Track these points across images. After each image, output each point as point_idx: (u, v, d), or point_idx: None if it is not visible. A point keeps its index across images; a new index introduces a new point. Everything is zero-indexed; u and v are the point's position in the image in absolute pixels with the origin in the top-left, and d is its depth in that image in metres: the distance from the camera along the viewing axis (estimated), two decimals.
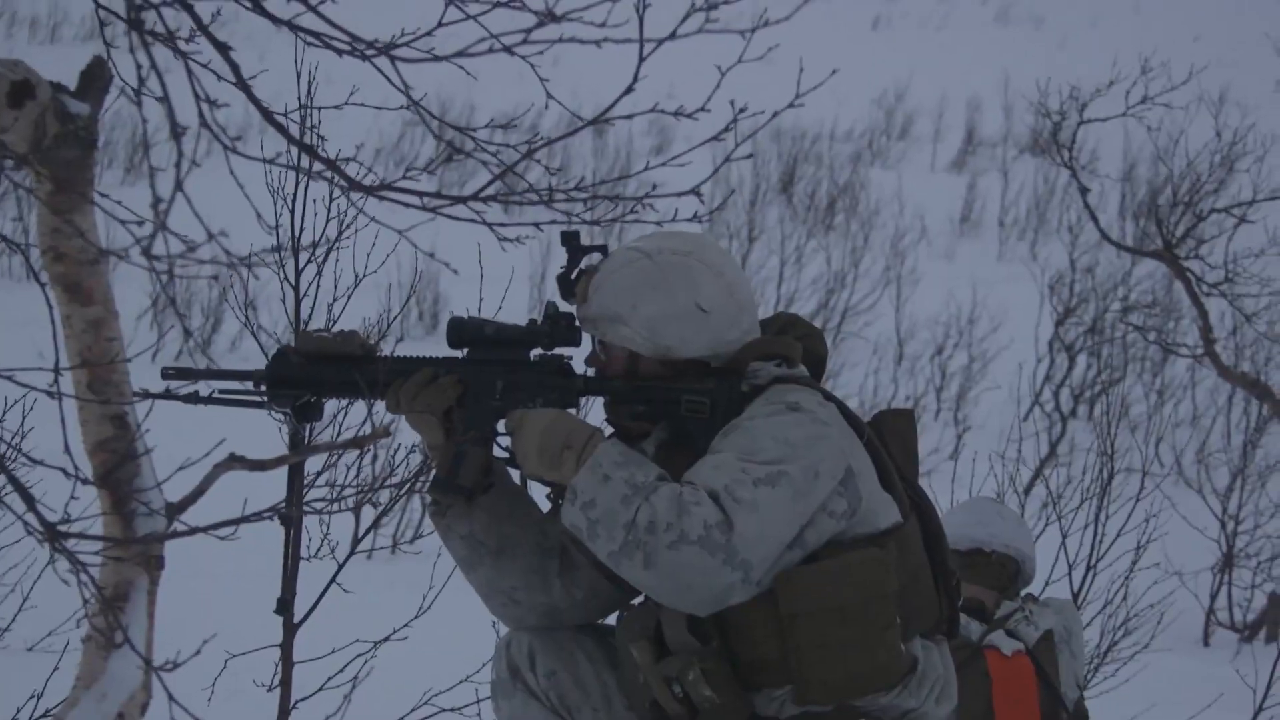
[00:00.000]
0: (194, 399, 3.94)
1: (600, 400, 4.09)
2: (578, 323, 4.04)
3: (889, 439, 4.06)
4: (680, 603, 3.74)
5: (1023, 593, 6.04)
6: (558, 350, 4.06)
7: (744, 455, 3.76)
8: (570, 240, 3.97)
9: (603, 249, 4.04)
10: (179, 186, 2.39)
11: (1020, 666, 5.75)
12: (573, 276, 4.03)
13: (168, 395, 3.88)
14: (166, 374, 4.00)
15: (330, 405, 4.61)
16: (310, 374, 4.03)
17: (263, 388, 4.05)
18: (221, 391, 4.03)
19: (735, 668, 3.91)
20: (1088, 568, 7.83)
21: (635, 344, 3.96)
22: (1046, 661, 5.79)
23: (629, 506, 3.71)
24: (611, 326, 3.97)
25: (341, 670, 5.97)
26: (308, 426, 4.09)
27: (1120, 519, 8.00)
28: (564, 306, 4.05)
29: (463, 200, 3.13)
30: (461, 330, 4.06)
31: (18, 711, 5.22)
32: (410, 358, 4.07)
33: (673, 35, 2.89)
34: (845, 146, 23.83)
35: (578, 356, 4.11)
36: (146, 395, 3.54)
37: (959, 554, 5.93)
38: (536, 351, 4.06)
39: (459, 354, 4.09)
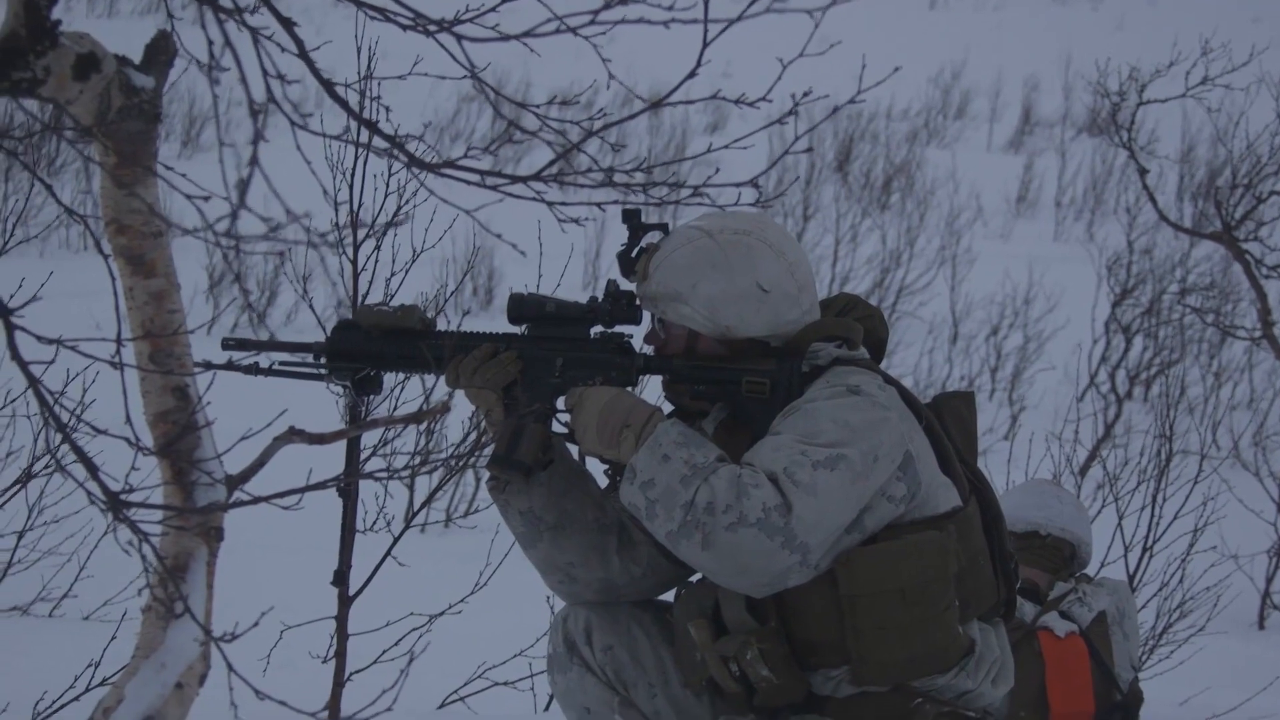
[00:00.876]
0: (254, 370, 3.96)
1: (658, 378, 4.09)
2: (637, 301, 4.04)
3: (949, 421, 4.05)
4: (737, 584, 3.74)
5: (1077, 574, 6.03)
6: (618, 328, 4.06)
7: (803, 438, 3.76)
8: (631, 218, 3.96)
9: (664, 227, 4.04)
10: (255, 163, 2.40)
11: (1074, 648, 5.74)
12: (633, 254, 4.02)
13: (228, 366, 3.91)
14: (227, 344, 4.03)
15: (388, 379, 4.62)
16: (370, 348, 4.05)
17: (322, 360, 4.06)
18: (281, 364, 4.04)
19: (792, 647, 3.91)
20: (1144, 549, 7.81)
21: (695, 323, 3.96)
22: (1100, 643, 5.78)
23: (688, 487, 3.71)
24: (671, 305, 3.97)
25: (396, 643, 6.00)
26: (366, 399, 4.10)
27: (1177, 501, 7.97)
28: (625, 284, 4.05)
29: (524, 179, 3.13)
30: (522, 306, 4.07)
31: (75, 680, 5.26)
32: (470, 333, 4.08)
33: (740, 17, 2.88)
34: (901, 125, 23.75)
35: (637, 335, 4.11)
36: (208, 366, 3.56)
37: (1015, 535, 5.92)
38: (596, 329, 4.06)
39: (518, 330, 4.09)
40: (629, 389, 4.01)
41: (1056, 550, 5.94)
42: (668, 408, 4.05)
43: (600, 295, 4.06)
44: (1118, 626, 5.84)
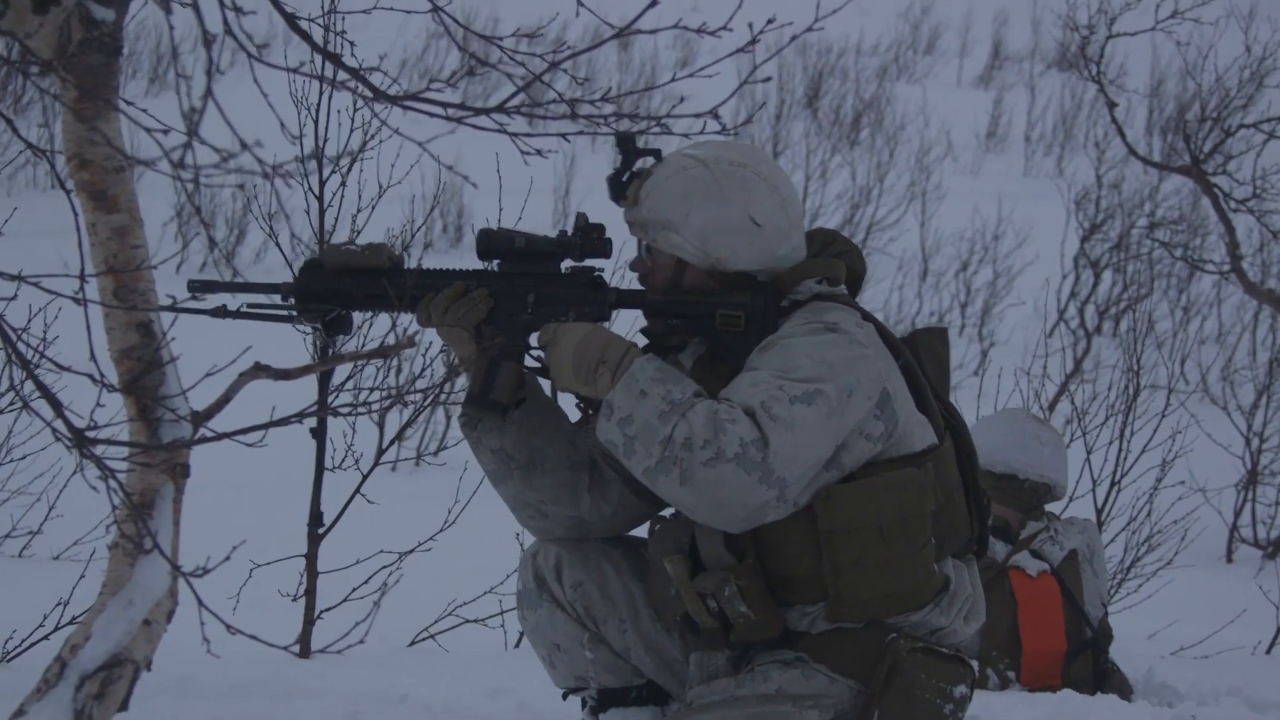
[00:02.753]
0: (221, 313, 3.92)
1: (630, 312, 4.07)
2: (627, 225, 4.01)
3: (924, 357, 4.04)
4: (715, 519, 3.74)
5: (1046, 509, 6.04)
6: (588, 262, 4.03)
7: (780, 373, 3.75)
8: (625, 142, 3.92)
9: (657, 153, 4.00)
10: (209, 95, 2.37)
11: (1045, 586, 5.77)
12: (624, 179, 3.99)
13: (194, 310, 3.87)
14: (193, 286, 3.98)
15: (358, 318, 4.60)
16: (338, 287, 4.01)
17: (290, 301, 4.03)
18: (248, 305, 4.01)
19: (768, 583, 3.91)
20: (1112, 484, 7.84)
21: (685, 252, 3.93)
22: (1071, 581, 5.80)
23: (666, 423, 3.70)
24: (662, 233, 3.94)
25: (366, 581, 6.00)
26: (335, 339, 4.07)
27: (1145, 435, 8.00)
28: (595, 217, 4.01)
29: (486, 111, 3.10)
30: (490, 242, 4.03)
31: (44, 619, 5.26)
32: (439, 270, 4.05)
33: None
34: (871, 61, 23.70)
35: (609, 268, 4.09)
36: (173, 308, 3.54)
37: (992, 475, 5.93)
38: (567, 264, 4.03)
39: (488, 266, 4.06)
40: (603, 324, 3.99)
41: (1033, 493, 5.96)
42: (644, 343, 4.03)
43: (571, 229, 4.03)
44: (1088, 564, 5.87)
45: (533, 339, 4.00)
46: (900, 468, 3.84)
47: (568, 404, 4.11)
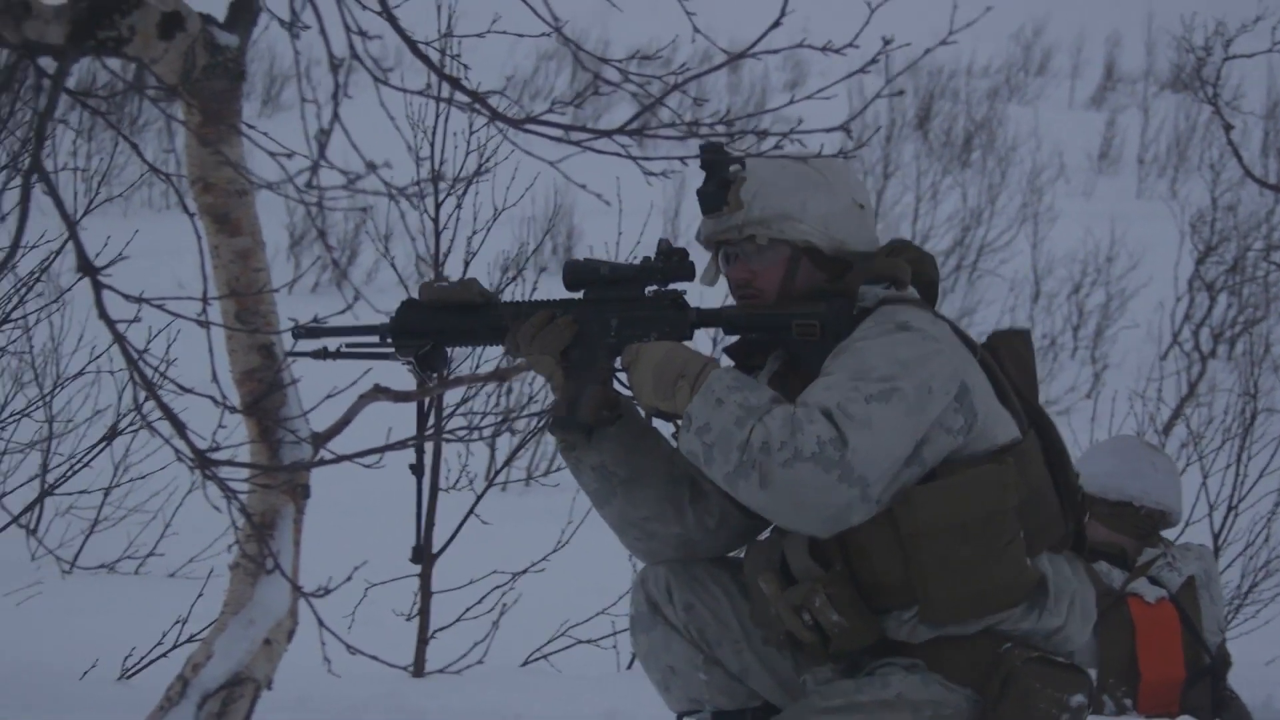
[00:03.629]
0: (323, 354, 4.03)
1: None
2: (725, 232, 4.04)
3: (1005, 358, 4.05)
4: (799, 523, 3.75)
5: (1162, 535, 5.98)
6: (672, 285, 4.09)
7: (855, 375, 3.77)
8: (712, 151, 3.97)
9: (741, 161, 4.05)
10: (336, 118, 2.40)
11: (1164, 613, 5.71)
12: (715, 189, 4.04)
13: (299, 353, 3.97)
14: (298, 333, 4.08)
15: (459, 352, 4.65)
16: (432, 323, 4.10)
17: (388, 340, 4.12)
18: (349, 345, 4.10)
19: (861, 592, 3.90)
20: (1229, 508, 7.75)
21: (814, 237, 4.00)
22: (1189, 607, 5.74)
23: (743, 427, 3.73)
24: (787, 224, 4.00)
25: (479, 601, 6.02)
26: (430, 374, 4.15)
27: (1263, 460, 7.91)
28: (678, 242, 4.05)
29: (608, 134, 3.12)
30: (577, 272, 4.11)
31: (163, 637, 5.31)
32: (527, 302, 4.13)
33: None
34: (982, 82, 23.58)
35: (693, 290, 4.11)
36: (298, 355, 3.59)
37: (1106, 503, 5.87)
38: (651, 288, 4.09)
39: (576, 296, 4.12)
40: (684, 343, 4.03)
41: (1149, 520, 5.90)
42: (727, 362, 4.07)
43: (654, 255, 4.08)
44: (1205, 590, 5.81)
45: (617, 361, 4.06)
46: (980, 464, 3.83)
47: (665, 429, 4.13)
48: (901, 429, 3.74)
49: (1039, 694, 3.88)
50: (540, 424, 7.82)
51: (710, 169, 4.02)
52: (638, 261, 4.11)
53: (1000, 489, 3.83)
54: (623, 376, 4.06)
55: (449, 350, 4.19)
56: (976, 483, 3.82)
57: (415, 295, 4.16)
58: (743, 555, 4.11)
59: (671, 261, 4.07)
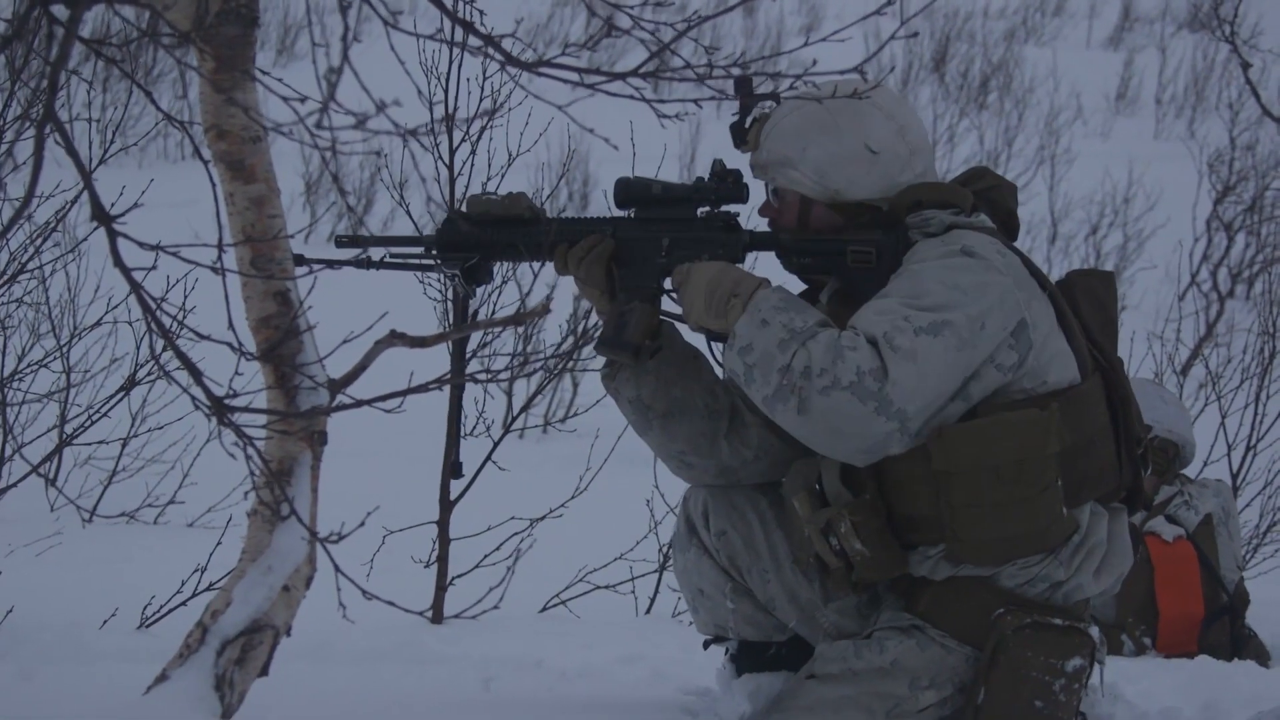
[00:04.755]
0: (365, 263, 3.99)
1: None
2: (751, 170, 4.04)
3: (1080, 298, 3.99)
4: (835, 450, 3.73)
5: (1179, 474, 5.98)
6: (725, 207, 4.06)
7: (909, 299, 3.73)
8: (743, 86, 3.94)
9: (775, 96, 4.01)
10: (345, 59, 2.38)
11: (1182, 551, 5.71)
12: (745, 124, 4.02)
13: (339, 261, 3.93)
14: (340, 242, 4.06)
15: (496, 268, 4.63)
16: (479, 237, 4.06)
17: (433, 252, 4.09)
18: (392, 255, 4.07)
19: (893, 523, 3.89)
20: (1248, 448, 7.73)
21: (804, 187, 3.96)
22: (1207, 545, 5.74)
23: (785, 351, 3.71)
24: (781, 170, 3.97)
25: (497, 548, 6.02)
26: (474, 290, 4.13)
27: None
28: (730, 162, 4.04)
29: (620, 76, 3.10)
30: (629, 190, 4.07)
31: (182, 585, 5.32)
32: (576, 218, 4.10)
33: None
34: (998, 24, 23.45)
35: (745, 212, 4.10)
36: (327, 263, 3.57)
37: None
38: (703, 209, 4.07)
39: (626, 214, 4.10)
40: (735, 264, 4.01)
41: (1162, 453, 5.89)
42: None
43: (708, 175, 4.06)
44: (1223, 527, 5.81)
45: (667, 283, 4.04)
46: (1022, 408, 3.79)
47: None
48: (949, 364, 3.70)
49: (1029, 662, 3.85)
50: (562, 367, 7.82)
51: (742, 103, 4.00)
52: (690, 182, 4.09)
53: (1039, 434, 3.78)
54: (669, 297, 4.06)
55: (494, 265, 4.16)
56: (1014, 426, 3.78)
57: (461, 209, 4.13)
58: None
59: (725, 183, 4.04)
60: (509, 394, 9.37)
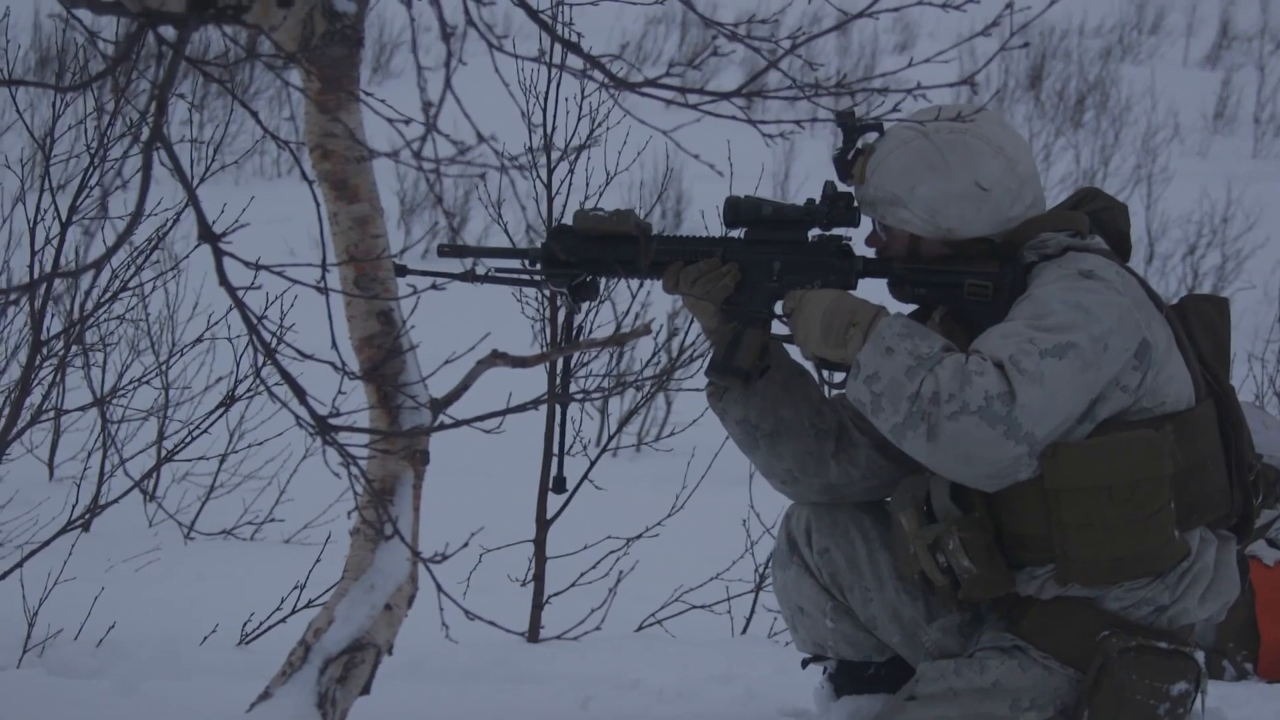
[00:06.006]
0: (470, 277, 3.98)
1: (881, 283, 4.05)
2: (856, 204, 4.00)
3: (1193, 323, 3.96)
4: (964, 476, 3.71)
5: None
6: (835, 231, 4.03)
7: (1033, 321, 3.70)
8: (845, 119, 3.91)
9: (878, 126, 3.98)
10: (448, 85, 2.39)
11: None
12: (849, 157, 3.98)
13: (444, 274, 3.94)
14: (443, 251, 4.07)
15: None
16: (585, 253, 4.05)
17: (537, 266, 4.08)
18: (497, 270, 4.07)
19: (1002, 542, 3.86)
20: None
21: (915, 227, 3.92)
22: None
23: (913, 378, 3.69)
24: (890, 209, 3.93)
25: (594, 566, 6.03)
26: (581, 305, 4.12)
27: None
28: (842, 186, 4.01)
29: (724, 96, 3.10)
30: (739, 210, 4.04)
31: (281, 602, 5.34)
32: (686, 237, 4.08)
33: None
34: (1095, 42, 23.33)
35: (856, 237, 4.07)
36: (429, 274, 3.58)
37: None
38: (814, 232, 4.03)
39: (734, 234, 4.08)
40: (849, 291, 3.97)
41: (1264, 478, 5.83)
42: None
43: (819, 198, 4.02)
44: None
45: (777, 307, 4.01)
46: (1137, 428, 3.76)
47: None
48: (1075, 386, 3.68)
49: (1134, 685, 3.82)
50: (657, 386, 7.82)
51: (846, 135, 3.96)
52: (801, 204, 4.06)
53: (1154, 456, 3.75)
54: (781, 322, 4.03)
55: (601, 282, 4.14)
56: (1128, 446, 3.74)
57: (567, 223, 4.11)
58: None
59: (837, 206, 4.00)
60: (604, 412, 9.38)
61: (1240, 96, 21.12)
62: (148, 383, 7.12)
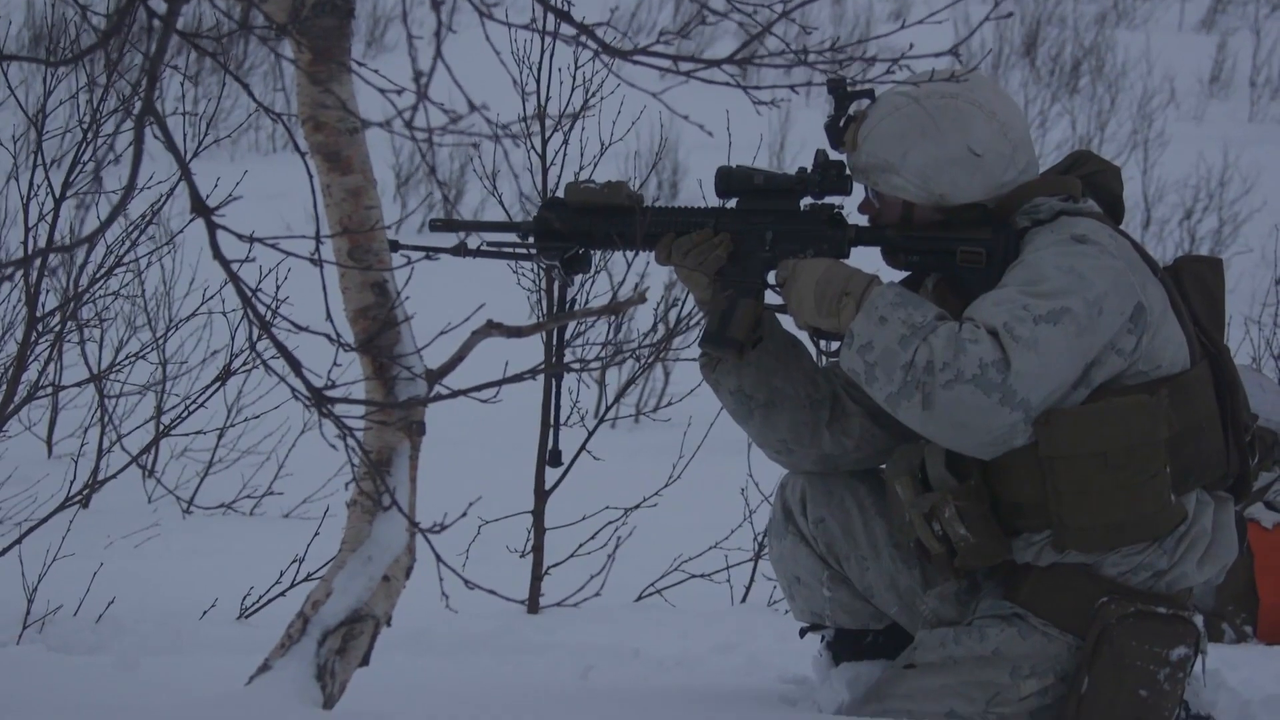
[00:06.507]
0: (461, 250, 3.97)
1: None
2: (848, 171, 3.99)
3: (1188, 284, 3.95)
4: (960, 444, 3.71)
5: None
6: (827, 199, 4.02)
7: (1026, 287, 3.70)
8: (837, 87, 3.91)
9: (869, 93, 3.97)
10: (438, 56, 2.38)
11: None
12: (840, 124, 3.97)
13: (436, 249, 3.93)
14: (435, 225, 4.06)
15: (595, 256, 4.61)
16: (578, 225, 4.04)
17: (530, 239, 4.07)
18: (489, 244, 4.06)
19: (998, 509, 3.86)
20: None
21: (908, 193, 3.91)
22: None
23: (907, 347, 3.69)
24: (883, 176, 3.92)
25: (592, 537, 6.03)
26: (573, 278, 4.11)
27: None
28: (833, 154, 4.00)
29: (716, 63, 3.09)
30: (730, 179, 4.04)
31: (280, 575, 5.35)
32: (678, 208, 4.07)
33: None
34: (1089, 7, 23.28)
35: (849, 205, 4.07)
36: (421, 248, 3.56)
37: None
38: (806, 201, 4.02)
39: (725, 204, 4.07)
40: (842, 260, 3.97)
41: (1261, 441, 5.83)
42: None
43: (811, 166, 4.01)
44: None
45: (770, 277, 4.00)
46: (1131, 392, 3.76)
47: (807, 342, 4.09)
48: (1069, 352, 3.68)
49: (1134, 651, 3.82)
50: (654, 356, 7.81)
51: (837, 103, 3.96)
52: (793, 173, 4.05)
53: (1149, 421, 3.74)
54: (774, 292, 4.03)
55: (593, 254, 4.13)
56: (1123, 411, 3.74)
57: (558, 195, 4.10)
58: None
59: (829, 175, 3.99)
60: (601, 383, 9.37)
61: (1236, 60, 21.08)
62: (144, 358, 7.12)
